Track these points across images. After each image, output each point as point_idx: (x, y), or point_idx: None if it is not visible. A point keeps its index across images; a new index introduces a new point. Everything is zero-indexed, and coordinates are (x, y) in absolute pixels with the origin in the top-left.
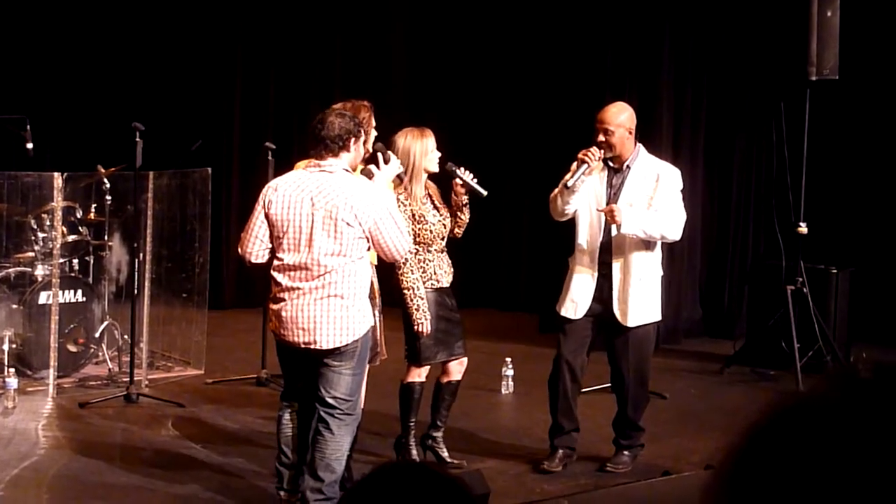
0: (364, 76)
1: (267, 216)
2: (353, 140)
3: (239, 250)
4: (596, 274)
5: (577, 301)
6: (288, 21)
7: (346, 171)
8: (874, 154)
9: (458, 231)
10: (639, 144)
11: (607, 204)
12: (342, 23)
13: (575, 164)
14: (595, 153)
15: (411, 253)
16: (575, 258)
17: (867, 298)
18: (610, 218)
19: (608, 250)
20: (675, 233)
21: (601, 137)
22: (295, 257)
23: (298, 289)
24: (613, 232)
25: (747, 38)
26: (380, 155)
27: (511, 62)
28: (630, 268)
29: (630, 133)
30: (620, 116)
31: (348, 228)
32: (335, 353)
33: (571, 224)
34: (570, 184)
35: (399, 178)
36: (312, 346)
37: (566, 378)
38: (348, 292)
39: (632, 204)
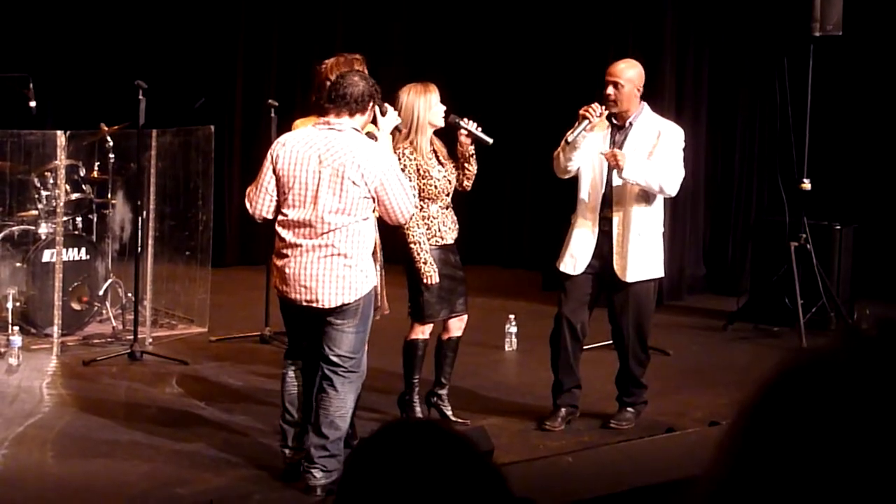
0: (366, 32)
1: (274, 171)
2: (371, 103)
3: (248, 206)
4: (597, 230)
5: (576, 257)
6: None
7: (356, 130)
8: (878, 110)
9: (468, 183)
10: (643, 103)
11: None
12: None
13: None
14: (596, 109)
15: (416, 209)
16: (576, 214)
17: (871, 254)
18: (612, 161)
19: (609, 206)
20: (672, 186)
21: (609, 90)
22: (300, 213)
23: (301, 245)
24: (615, 182)
25: None
26: (376, 108)
27: (513, 19)
28: (630, 223)
29: (638, 90)
30: (630, 72)
31: (354, 187)
32: (338, 311)
33: (574, 181)
34: (570, 139)
35: (397, 130)
36: (315, 305)
37: (566, 335)
38: (352, 251)
39: None
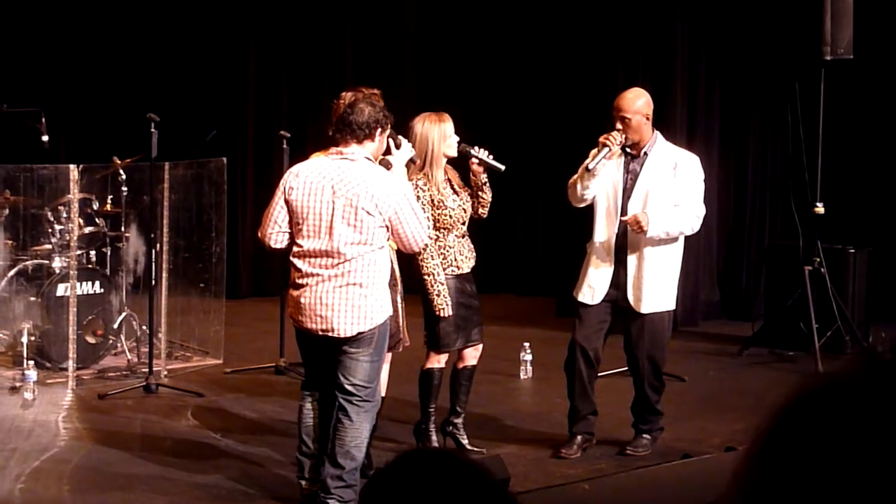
0: (376, 63)
1: (287, 202)
2: (379, 130)
3: (259, 234)
4: (613, 260)
5: (594, 287)
6: (299, 10)
7: (368, 159)
8: (890, 132)
9: (483, 211)
10: (656, 131)
11: (624, 191)
12: (353, 10)
13: (595, 148)
14: (616, 137)
15: (431, 239)
16: (592, 243)
17: (885, 278)
18: (636, 227)
19: (625, 236)
20: (695, 227)
21: (619, 126)
22: (314, 244)
23: (317, 276)
24: (630, 212)
25: (761, 19)
26: (390, 140)
27: (523, 45)
28: (646, 255)
29: (647, 119)
30: (637, 103)
31: (368, 217)
32: (353, 340)
33: (588, 209)
34: (591, 166)
35: (412, 162)
36: (330, 334)
37: (580, 362)
38: (367, 280)
39: (648, 192)
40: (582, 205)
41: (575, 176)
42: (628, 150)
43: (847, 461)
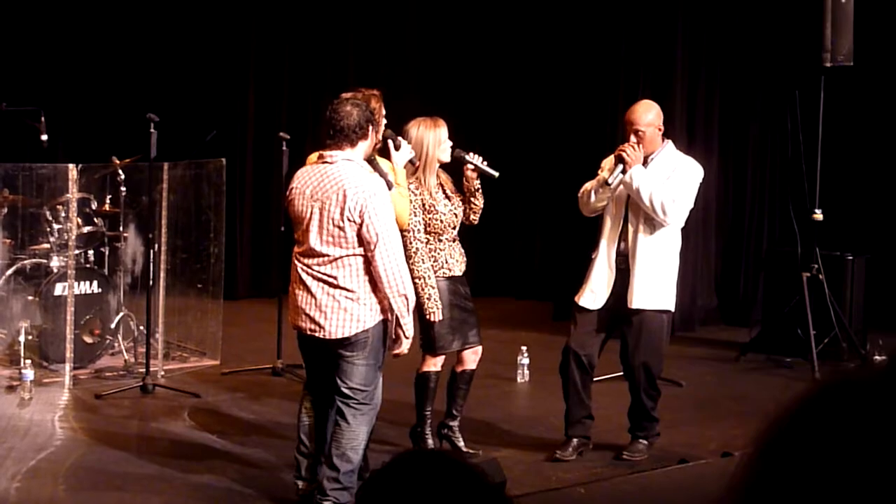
0: (377, 65)
1: (289, 208)
2: (371, 127)
3: None
4: (616, 267)
5: (596, 292)
6: (301, 11)
7: (348, 160)
8: (889, 140)
9: (474, 218)
10: (668, 140)
11: (628, 199)
12: (355, 13)
13: (606, 158)
14: (635, 150)
15: (422, 243)
16: (597, 252)
17: (883, 285)
18: (627, 158)
19: (626, 241)
20: (672, 210)
21: (633, 139)
22: (305, 247)
23: (308, 278)
24: (632, 220)
25: (761, 25)
26: (390, 142)
27: (524, 50)
28: (644, 254)
29: (659, 130)
30: (649, 115)
31: (339, 220)
32: (346, 343)
33: (595, 218)
34: (610, 182)
35: (411, 163)
36: (318, 335)
37: (573, 367)
38: (355, 284)
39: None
40: (593, 215)
41: (587, 186)
42: None
43: (855, 463)
